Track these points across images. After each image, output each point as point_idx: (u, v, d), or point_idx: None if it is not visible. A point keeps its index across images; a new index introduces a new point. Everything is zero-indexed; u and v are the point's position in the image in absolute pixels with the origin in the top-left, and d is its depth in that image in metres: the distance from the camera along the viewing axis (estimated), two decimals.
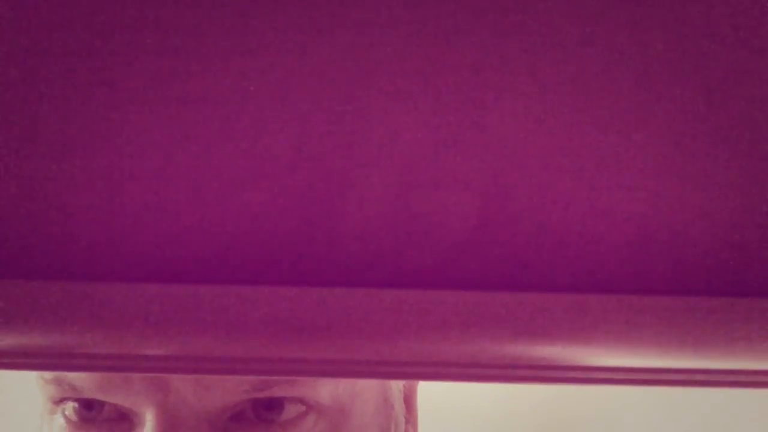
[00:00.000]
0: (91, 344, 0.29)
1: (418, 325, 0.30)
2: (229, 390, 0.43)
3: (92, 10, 0.29)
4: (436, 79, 0.30)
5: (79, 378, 0.44)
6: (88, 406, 0.45)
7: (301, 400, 0.45)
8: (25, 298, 0.29)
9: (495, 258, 0.30)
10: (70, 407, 0.46)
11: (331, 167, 0.30)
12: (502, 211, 0.30)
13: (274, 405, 0.45)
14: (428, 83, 0.30)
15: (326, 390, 0.46)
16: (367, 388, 0.49)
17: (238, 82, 0.29)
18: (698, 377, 0.31)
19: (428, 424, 0.60)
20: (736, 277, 0.30)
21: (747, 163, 0.30)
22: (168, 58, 0.29)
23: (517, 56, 0.30)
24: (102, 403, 0.45)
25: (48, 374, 0.46)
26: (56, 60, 0.29)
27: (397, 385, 0.53)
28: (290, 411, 0.45)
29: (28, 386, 0.51)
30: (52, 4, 0.29)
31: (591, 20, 0.30)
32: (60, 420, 0.46)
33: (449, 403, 1.16)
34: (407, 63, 0.30)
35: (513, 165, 0.30)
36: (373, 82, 0.30)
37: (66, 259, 0.29)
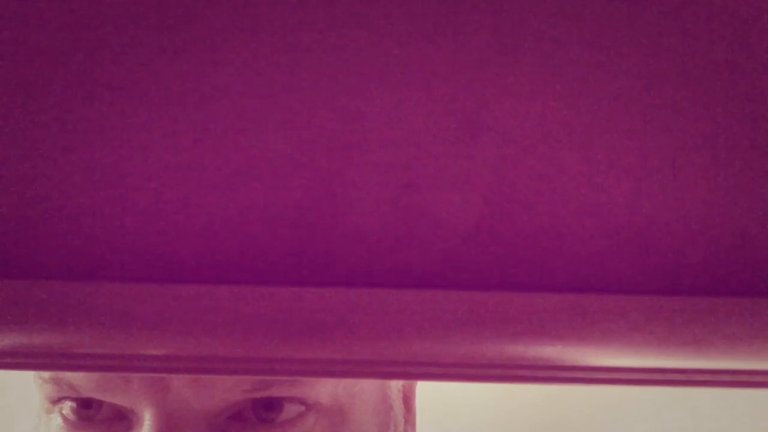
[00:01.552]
0: (91, 344, 0.29)
1: (418, 325, 0.30)
2: (229, 389, 0.43)
3: (92, 9, 0.29)
4: (436, 78, 0.30)
5: (77, 377, 0.44)
6: (86, 406, 0.45)
7: (300, 400, 0.45)
8: (25, 298, 0.29)
9: (495, 258, 0.30)
10: (68, 406, 0.46)
11: (331, 167, 0.30)
12: (502, 210, 0.30)
13: (273, 405, 0.45)
14: (428, 83, 0.30)
15: (326, 390, 0.46)
16: (366, 389, 0.49)
17: (238, 82, 0.29)
18: (698, 377, 0.31)
19: (427, 424, 0.60)
20: (736, 277, 0.30)
21: (747, 164, 0.30)
22: (168, 58, 0.29)
23: (517, 56, 0.30)
24: (100, 403, 0.45)
25: (46, 373, 0.45)
26: (56, 60, 0.29)
27: (396, 386, 0.53)
28: (290, 411, 0.45)
29: (27, 386, 0.51)
30: (52, 4, 0.29)
31: (592, 20, 0.30)
32: (58, 419, 0.46)
33: (449, 402, 1.16)
34: (407, 63, 0.30)
35: (513, 165, 0.30)
36: (373, 82, 0.30)
37: (66, 259, 0.29)
